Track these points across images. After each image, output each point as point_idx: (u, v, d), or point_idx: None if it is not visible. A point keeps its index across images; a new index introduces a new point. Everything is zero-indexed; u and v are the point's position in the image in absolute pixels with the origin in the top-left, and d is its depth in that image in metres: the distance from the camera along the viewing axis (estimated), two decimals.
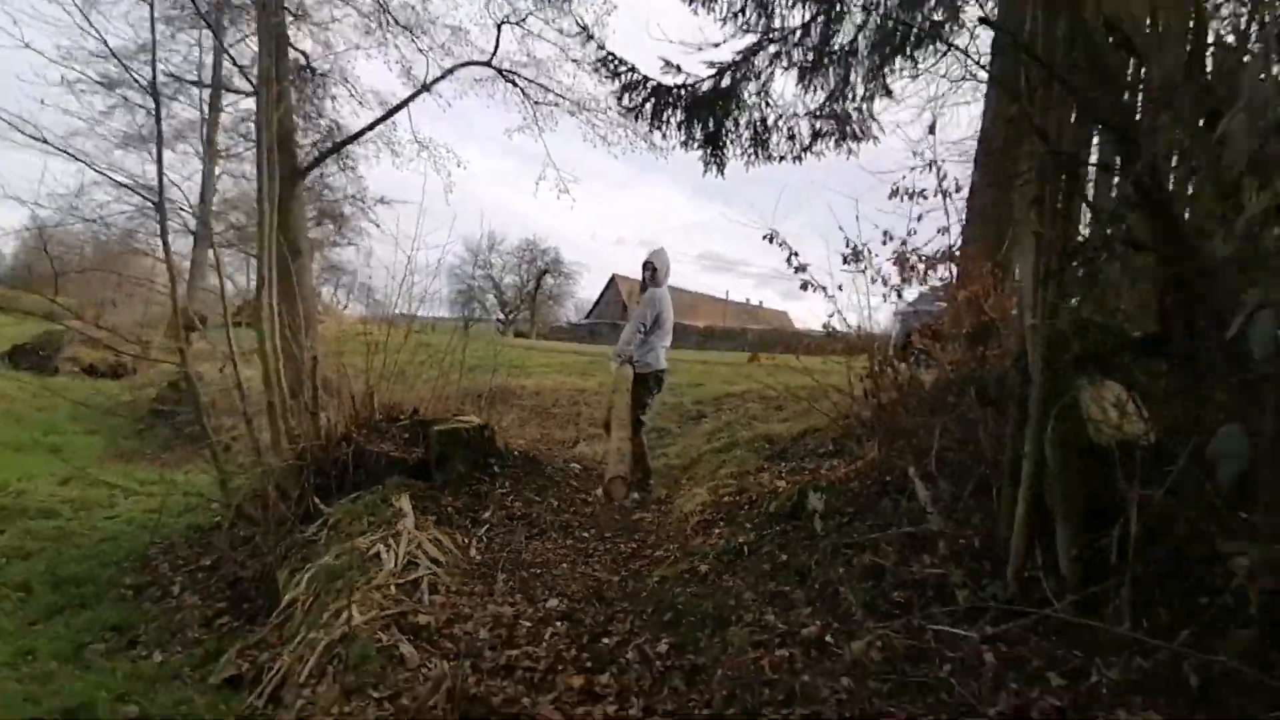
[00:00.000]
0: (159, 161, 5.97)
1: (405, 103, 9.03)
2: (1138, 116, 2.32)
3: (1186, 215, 2.13)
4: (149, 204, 18.52)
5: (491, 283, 38.13)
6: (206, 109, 17.28)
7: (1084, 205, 2.42)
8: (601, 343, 20.52)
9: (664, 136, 6.29)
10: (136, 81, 7.91)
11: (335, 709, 2.54)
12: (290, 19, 9.13)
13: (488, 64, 9.41)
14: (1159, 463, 2.09)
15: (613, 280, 39.20)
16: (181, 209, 19.24)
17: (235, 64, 9.21)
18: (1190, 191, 2.25)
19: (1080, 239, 2.26)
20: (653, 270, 5.55)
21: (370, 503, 4.38)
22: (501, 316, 37.28)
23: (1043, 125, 2.30)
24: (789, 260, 4.03)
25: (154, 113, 6.17)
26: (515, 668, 2.76)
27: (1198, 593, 1.79)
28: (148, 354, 8.64)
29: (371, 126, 9.30)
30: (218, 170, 20.42)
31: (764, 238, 4.11)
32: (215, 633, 3.92)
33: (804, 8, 5.54)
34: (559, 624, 3.14)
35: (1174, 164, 2.27)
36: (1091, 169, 2.43)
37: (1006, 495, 2.33)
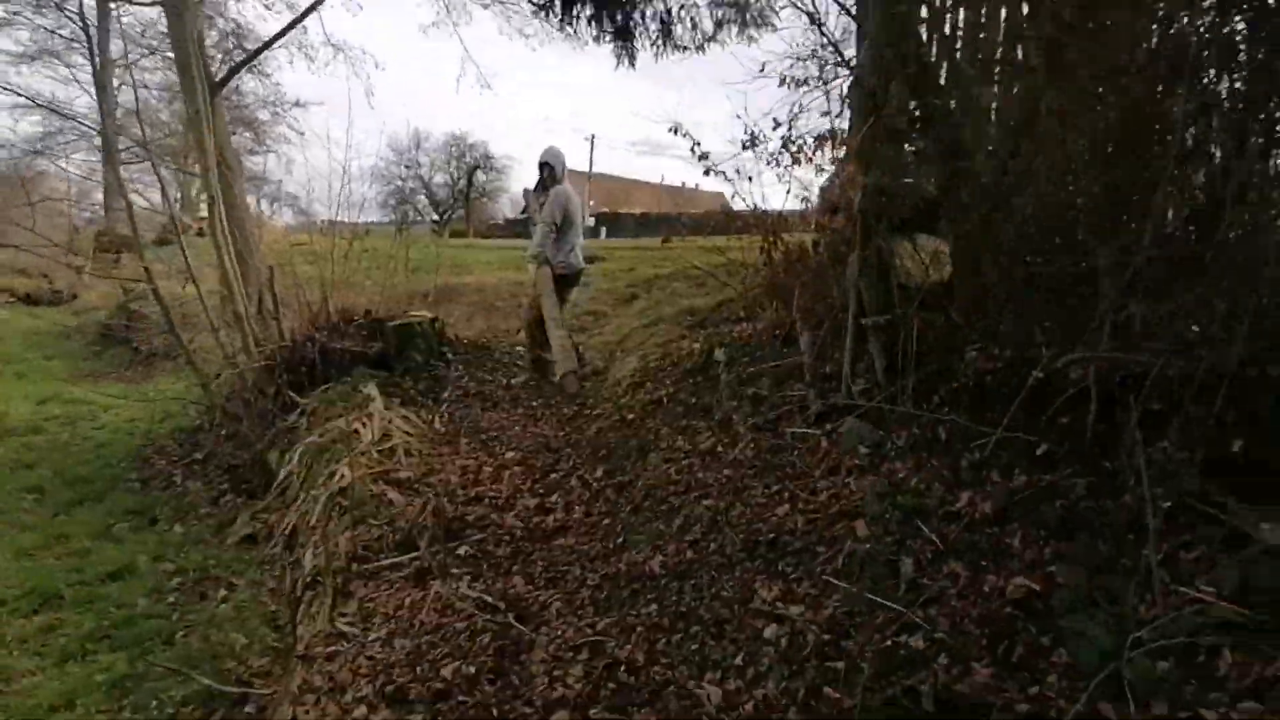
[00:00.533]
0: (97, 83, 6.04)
1: (315, 4, 8.92)
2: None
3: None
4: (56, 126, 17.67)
5: (421, 183, 37.19)
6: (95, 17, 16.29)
7: (903, 99, 3.06)
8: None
9: (575, 33, 6.59)
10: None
11: (345, 535, 3.27)
12: None
13: None
14: (948, 297, 2.85)
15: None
16: (84, 124, 18.39)
17: None
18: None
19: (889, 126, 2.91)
20: (550, 169, 5.63)
21: (341, 392, 4.99)
22: (436, 217, 36.68)
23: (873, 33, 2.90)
24: (692, 150, 4.58)
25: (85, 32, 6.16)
26: (483, 498, 3.53)
27: (952, 380, 2.58)
28: (110, 275, 8.80)
29: (283, 32, 9.18)
30: (116, 82, 19.37)
31: (669, 130, 4.64)
32: (222, 509, 4.61)
33: None
34: (515, 469, 3.89)
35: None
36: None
37: (844, 330, 3.09)
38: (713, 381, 4.17)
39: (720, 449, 3.24)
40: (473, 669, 2.21)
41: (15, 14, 17.67)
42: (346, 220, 6.91)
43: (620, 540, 2.91)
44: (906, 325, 2.60)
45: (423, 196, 38.06)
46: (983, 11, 2.85)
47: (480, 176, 38.47)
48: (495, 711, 2.03)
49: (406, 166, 36.44)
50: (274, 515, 4.10)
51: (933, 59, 2.88)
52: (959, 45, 2.92)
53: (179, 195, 18.22)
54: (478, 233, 30.72)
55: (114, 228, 17.77)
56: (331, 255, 5.96)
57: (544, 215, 5.46)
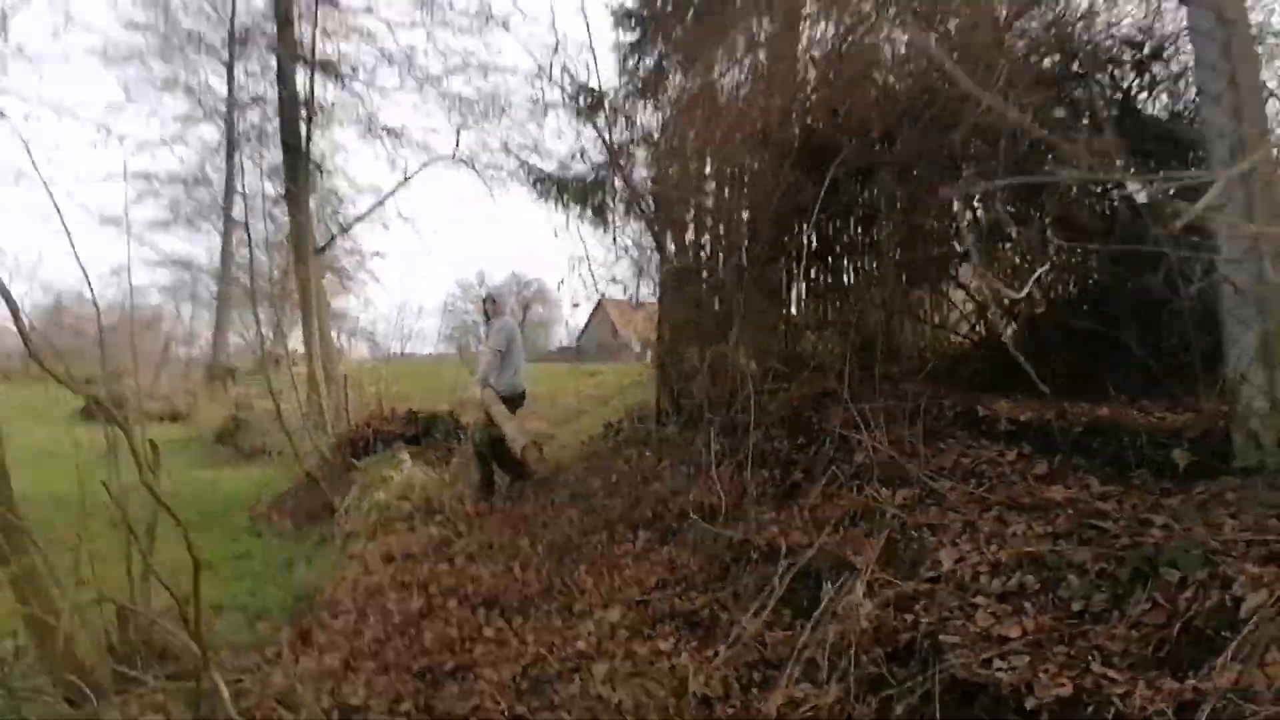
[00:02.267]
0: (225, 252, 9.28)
1: (392, 192, 12.45)
2: None
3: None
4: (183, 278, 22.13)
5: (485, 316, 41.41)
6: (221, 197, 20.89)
7: None
8: (590, 362, 23.66)
9: (566, 209, 9.61)
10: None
11: (378, 531, 5.75)
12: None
13: (452, 158, 12.82)
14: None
15: (600, 304, 42.43)
16: (207, 275, 22.88)
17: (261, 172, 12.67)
18: None
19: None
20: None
21: (384, 457, 7.61)
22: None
23: None
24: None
25: (222, 226, 9.52)
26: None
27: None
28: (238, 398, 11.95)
29: (369, 212, 12.73)
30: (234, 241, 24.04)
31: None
32: (304, 531, 7.14)
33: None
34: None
35: None
36: None
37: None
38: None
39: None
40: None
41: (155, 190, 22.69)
42: (402, 351, 9.88)
43: None
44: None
45: (483, 329, 42.32)
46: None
47: (538, 309, 42.79)
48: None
49: (470, 302, 41.06)
50: (337, 527, 6.61)
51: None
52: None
53: (274, 332, 22.17)
54: (532, 358, 34.11)
55: (219, 360, 21.88)
56: (384, 374, 8.84)
57: (490, 343, 6.32)
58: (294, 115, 12.16)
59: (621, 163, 6.67)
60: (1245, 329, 2.20)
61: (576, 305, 7.08)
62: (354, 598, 4.03)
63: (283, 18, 12.26)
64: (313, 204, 13.47)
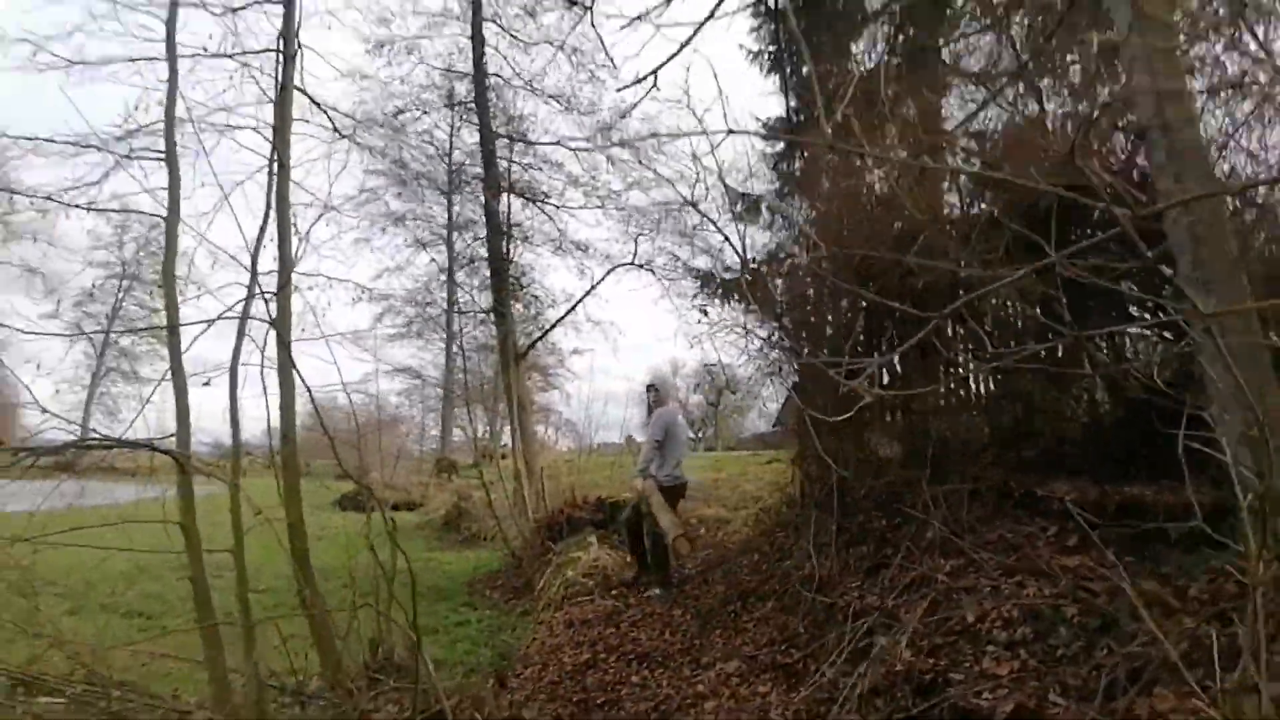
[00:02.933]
0: (448, 360, 11.22)
1: (582, 298, 14.25)
2: None
3: None
4: (414, 382, 25.82)
5: (679, 405, 43.25)
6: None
7: None
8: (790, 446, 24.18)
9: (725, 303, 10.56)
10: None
11: (564, 603, 6.77)
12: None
13: (632, 264, 14.41)
14: None
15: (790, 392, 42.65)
16: (433, 381, 26.44)
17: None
18: None
19: None
20: (655, 392, 6.62)
21: (577, 541, 8.74)
22: (690, 435, 41.93)
23: None
24: None
25: (445, 339, 11.54)
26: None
27: None
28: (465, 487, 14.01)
29: (562, 319, 14.63)
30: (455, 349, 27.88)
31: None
32: (510, 604, 8.37)
33: None
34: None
35: None
36: None
37: None
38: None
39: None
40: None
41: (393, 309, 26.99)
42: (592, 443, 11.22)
43: None
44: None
45: (680, 418, 44.03)
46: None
47: (729, 396, 43.86)
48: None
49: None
50: (537, 600, 7.74)
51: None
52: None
53: (489, 429, 25.15)
54: (727, 445, 35.08)
55: (445, 454, 25.11)
56: (580, 465, 10.15)
57: (649, 433, 6.42)
58: (497, 239, 14.46)
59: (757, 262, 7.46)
60: (1226, 416, 2.55)
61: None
62: (540, 654, 5.01)
63: (488, 157, 14.76)
64: (516, 313, 15.67)
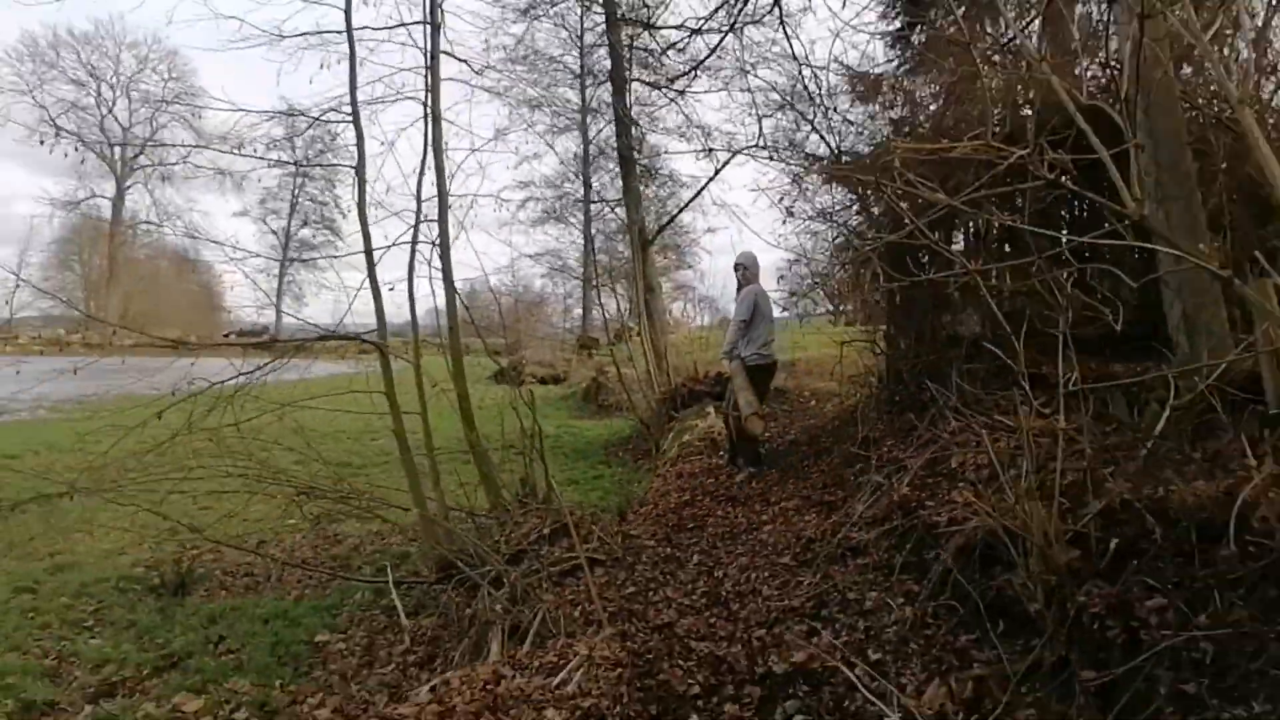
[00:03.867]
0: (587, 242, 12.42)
1: (707, 183, 14.82)
2: None
3: None
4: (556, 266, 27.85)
5: (814, 279, 42.91)
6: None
7: None
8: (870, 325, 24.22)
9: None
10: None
11: (679, 461, 8.03)
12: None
13: (757, 145, 14.74)
14: None
15: None
16: (574, 263, 28.15)
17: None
18: None
19: None
20: (744, 270, 6.57)
21: (695, 410, 9.95)
22: (830, 307, 41.74)
23: None
24: None
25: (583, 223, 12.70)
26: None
27: None
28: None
29: (687, 204, 15.33)
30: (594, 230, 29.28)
31: None
32: (639, 463, 9.80)
33: None
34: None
35: None
36: None
37: None
38: None
39: None
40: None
41: (531, 196, 28.51)
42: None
43: None
44: None
45: (820, 291, 43.89)
46: None
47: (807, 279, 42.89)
48: None
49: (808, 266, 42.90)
50: (656, 458, 9.10)
51: None
52: None
53: (628, 308, 26.77)
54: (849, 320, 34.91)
55: (586, 333, 27.07)
56: (705, 339, 11.24)
57: (735, 313, 6.45)
58: (625, 129, 15.17)
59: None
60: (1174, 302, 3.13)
61: None
62: (653, 497, 6.29)
63: (614, 47, 15.24)
64: (646, 198, 16.54)
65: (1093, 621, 2.11)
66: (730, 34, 14.05)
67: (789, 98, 13.51)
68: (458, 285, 5.42)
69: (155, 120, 41.43)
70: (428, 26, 5.14)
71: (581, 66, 23.17)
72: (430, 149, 5.03)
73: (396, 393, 5.44)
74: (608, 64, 15.75)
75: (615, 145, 16.17)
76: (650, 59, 15.80)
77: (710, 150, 15.34)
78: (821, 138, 7.84)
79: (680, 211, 15.95)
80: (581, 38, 21.54)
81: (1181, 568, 2.18)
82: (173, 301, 42.72)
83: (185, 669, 4.25)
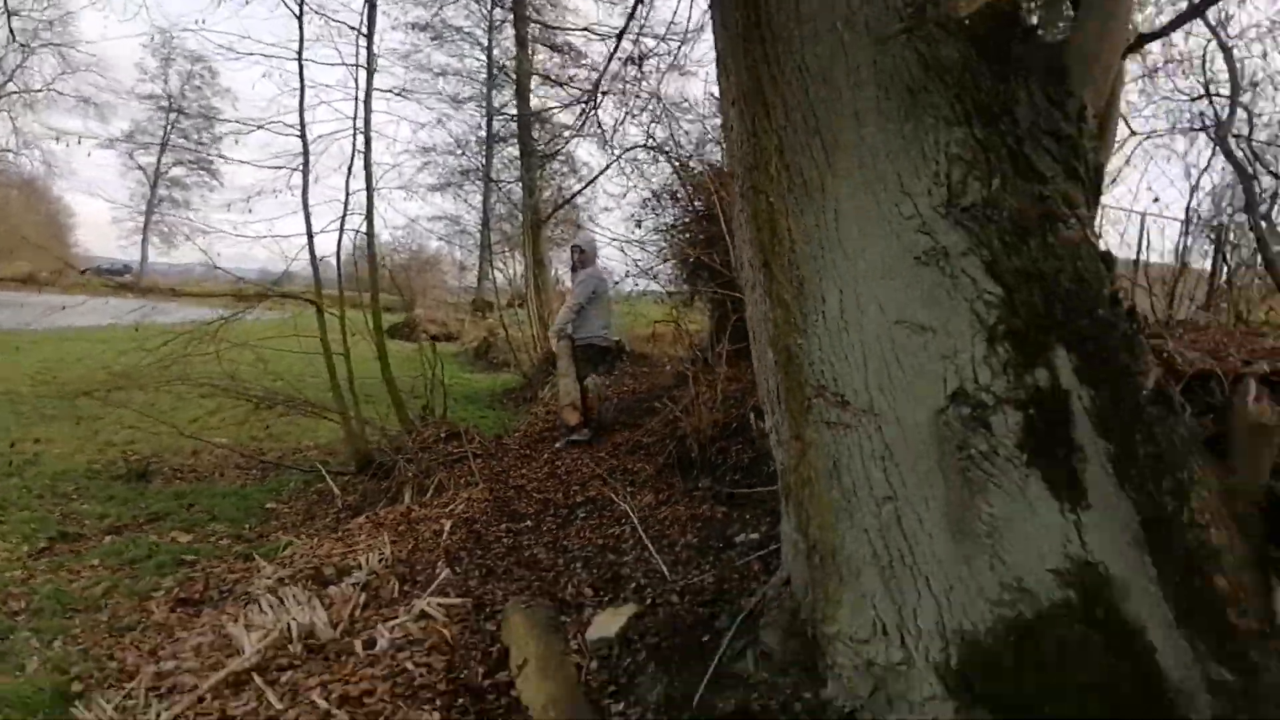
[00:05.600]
0: (485, 210, 14.23)
1: (596, 176, 16.83)
2: None
3: None
4: (454, 229, 29.16)
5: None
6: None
7: None
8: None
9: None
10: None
11: (552, 395, 10.12)
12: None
13: (645, 146, 16.83)
14: None
15: None
16: (473, 229, 29.61)
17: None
18: None
19: None
20: (580, 252, 6.76)
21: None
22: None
23: None
24: None
25: (483, 200, 14.47)
26: None
27: None
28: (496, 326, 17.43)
29: (578, 192, 17.29)
30: (493, 199, 30.69)
31: None
32: (520, 408, 11.81)
33: None
34: None
35: None
36: None
37: None
38: None
39: None
40: None
41: (430, 161, 29.58)
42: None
43: None
44: None
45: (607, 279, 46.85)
46: None
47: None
48: None
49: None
50: (532, 405, 11.13)
51: None
52: None
53: (517, 278, 28.56)
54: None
55: (482, 295, 28.68)
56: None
57: (572, 296, 6.74)
58: (526, 123, 16.91)
59: None
60: None
61: None
62: (524, 427, 8.35)
63: (520, 39, 16.88)
64: (546, 174, 18.37)
65: (721, 460, 4.37)
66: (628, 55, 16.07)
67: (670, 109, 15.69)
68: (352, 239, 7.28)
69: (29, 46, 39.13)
70: (362, 70, 6.91)
71: (490, 40, 24.58)
72: (363, 164, 6.84)
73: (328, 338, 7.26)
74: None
75: (516, 133, 17.88)
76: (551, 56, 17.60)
77: (606, 144, 17.36)
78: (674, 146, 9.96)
79: (570, 199, 17.89)
80: (490, 15, 22.90)
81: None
82: (21, 233, 40.65)
83: (170, 520, 6.00)
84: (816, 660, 2.43)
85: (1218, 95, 7.00)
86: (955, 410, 1.96)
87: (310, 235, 6.69)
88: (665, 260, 9.82)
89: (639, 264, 11.43)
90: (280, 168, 6.71)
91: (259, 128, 6.90)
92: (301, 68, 6.63)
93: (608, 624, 3.20)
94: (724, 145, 10.07)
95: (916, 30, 1.90)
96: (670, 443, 5.28)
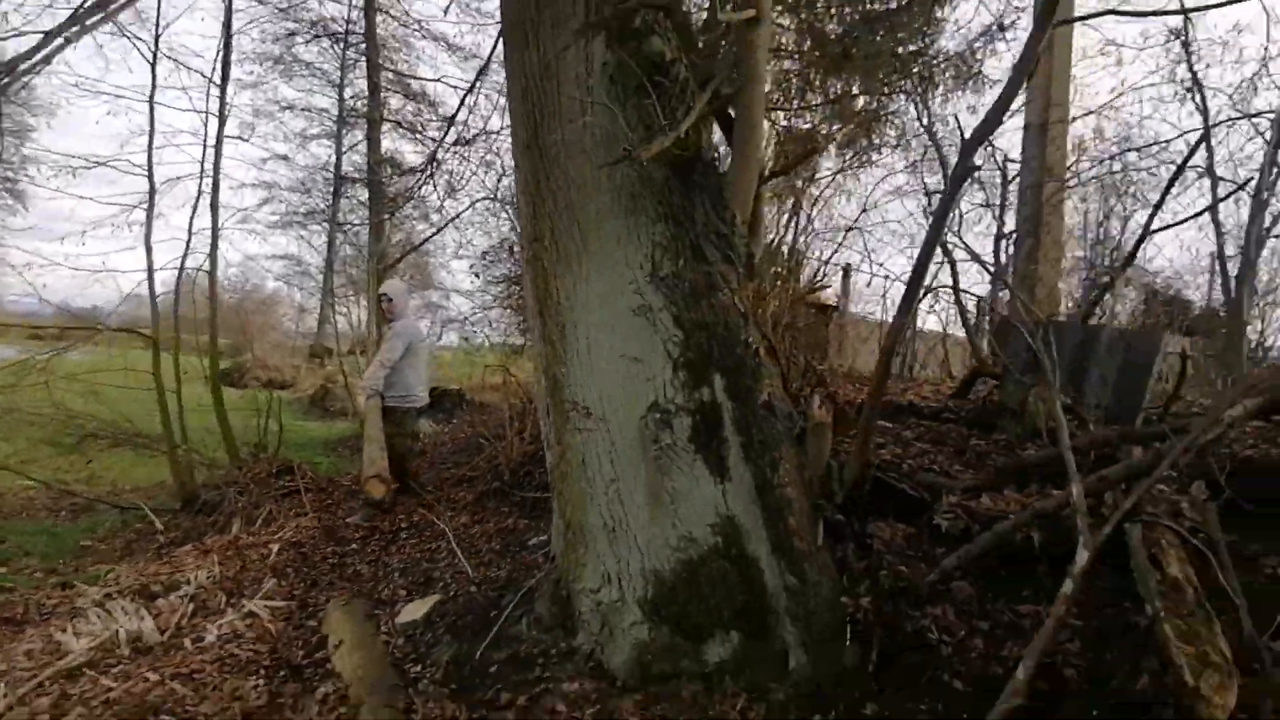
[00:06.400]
0: (330, 251, 14.45)
1: (444, 226, 17.40)
2: None
3: None
4: (295, 269, 28.68)
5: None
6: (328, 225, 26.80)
7: None
8: None
9: None
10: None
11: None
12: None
13: (494, 199, 17.69)
14: None
15: None
16: (314, 270, 29.12)
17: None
18: None
19: None
20: (388, 301, 6.20)
21: None
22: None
23: None
24: None
25: (328, 241, 14.70)
26: None
27: None
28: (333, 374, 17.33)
29: (426, 240, 17.81)
30: (339, 240, 30.33)
31: None
32: (352, 456, 12.03)
33: None
34: None
35: None
36: None
37: None
38: None
39: None
40: None
41: (273, 197, 29.04)
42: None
43: None
44: None
45: (424, 332, 47.71)
46: None
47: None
48: None
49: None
50: None
51: None
52: None
53: (367, 320, 28.27)
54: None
55: (322, 340, 28.09)
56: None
57: (382, 351, 6.08)
58: (376, 164, 17.33)
59: None
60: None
61: None
62: (359, 472, 8.73)
63: (373, 87, 17.38)
64: (398, 217, 18.76)
65: (526, 481, 5.16)
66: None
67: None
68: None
69: None
70: (213, 117, 7.36)
71: (342, 76, 24.76)
72: (209, 205, 7.22)
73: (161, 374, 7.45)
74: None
75: (365, 174, 18.24)
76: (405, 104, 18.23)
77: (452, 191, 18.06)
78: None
79: (419, 246, 18.36)
80: (344, 55, 23.19)
81: None
82: None
83: None
84: (570, 619, 3.24)
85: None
86: (651, 416, 2.90)
87: (151, 273, 6.94)
88: (503, 309, 10.61)
89: (476, 312, 12.13)
90: (126, 205, 6.93)
91: (99, 164, 7.09)
92: (153, 110, 6.96)
93: (415, 610, 3.87)
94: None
95: (630, 159, 2.86)
96: (490, 474, 6.01)
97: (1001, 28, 6.58)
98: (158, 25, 7.19)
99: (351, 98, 22.31)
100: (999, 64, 13.21)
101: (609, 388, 3.02)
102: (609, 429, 3.01)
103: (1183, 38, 8.56)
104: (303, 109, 26.60)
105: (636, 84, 3.03)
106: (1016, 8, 6.74)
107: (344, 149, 26.21)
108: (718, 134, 3.66)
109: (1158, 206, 5.87)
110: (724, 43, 3.23)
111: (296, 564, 4.94)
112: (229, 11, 7.80)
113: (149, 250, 6.87)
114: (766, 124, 5.64)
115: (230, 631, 3.85)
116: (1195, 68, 8.76)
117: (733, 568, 2.74)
